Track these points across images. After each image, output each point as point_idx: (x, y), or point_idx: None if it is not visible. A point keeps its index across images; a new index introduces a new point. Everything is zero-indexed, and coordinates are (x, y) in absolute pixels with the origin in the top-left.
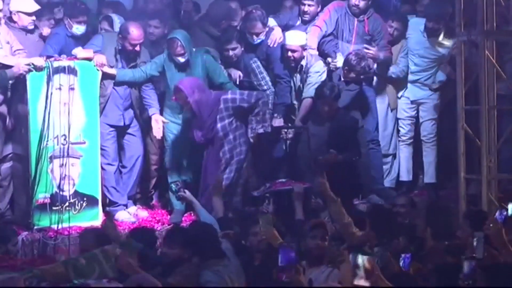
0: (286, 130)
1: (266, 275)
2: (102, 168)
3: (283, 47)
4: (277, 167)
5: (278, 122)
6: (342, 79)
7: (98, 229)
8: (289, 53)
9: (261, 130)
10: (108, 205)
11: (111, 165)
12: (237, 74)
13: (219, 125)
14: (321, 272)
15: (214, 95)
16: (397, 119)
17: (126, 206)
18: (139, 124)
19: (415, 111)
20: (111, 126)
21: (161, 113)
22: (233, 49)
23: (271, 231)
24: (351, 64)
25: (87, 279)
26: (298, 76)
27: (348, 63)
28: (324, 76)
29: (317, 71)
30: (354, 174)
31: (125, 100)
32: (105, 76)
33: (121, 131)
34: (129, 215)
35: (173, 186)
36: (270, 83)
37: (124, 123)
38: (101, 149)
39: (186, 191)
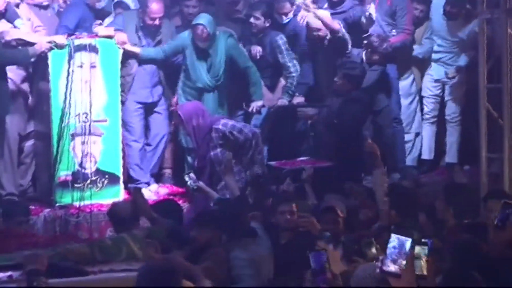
0: (306, 108)
1: (292, 254)
2: (127, 145)
3: (308, 26)
4: (298, 145)
5: (298, 99)
6: (365, 61)
7: (127, 201)
8: (314, 32)
9: (259, 171)
10: (130, 182)
11: (137, 142)
12: (256, 49)
13: (211, 153)
14: None
15: (211, 121)
16: (421, 98)
17: (148, 184)
18: (166, 102)
19: (440, 90)
20: (139, 103)
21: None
22: (257, 18)
23: (311, 220)
24: (373, 46)
25: (114, 260)
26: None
27: (370, 45)
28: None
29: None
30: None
31: (153, 77)
32: (129, 54)
33: (148, 109)
34: (150, 193)
35: (186, 178)
36: (296, 62)
37: (152, 100)
38: (128, 126)
39: (200, 182)
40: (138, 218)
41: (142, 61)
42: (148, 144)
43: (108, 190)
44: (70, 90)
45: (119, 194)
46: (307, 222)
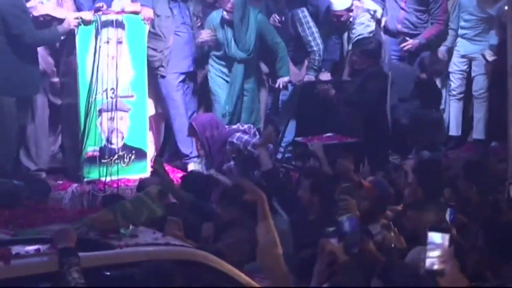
0: (326, 86)
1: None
2: (172, 120)
3: (328, 10)
4: (325, 121)
5: (325, 76)
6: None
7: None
8: (335, 18)
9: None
10: (180, 157)
11: (180, 115)
12: (275, 18)
13: (225, 165)
14: None
15: (226, 133)
16: (448, 73)
17: (198, 157)
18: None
19: (467, 66)
20: (182, 74)
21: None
22: None
23: (352, 203)
24: (424, 64)
25: (136, 223)
26: (346, 34)
27: (421, 64)
28: (370, 28)
29: (362, 23)
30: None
31: (190, 46)
32: (162, 27)
33: (191, 78)
34: (199, 167)
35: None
36: (317, 37)
37: (194, 68)
38: (170, 100)
39: (212, 170)
40: (167, 193)
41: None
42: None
43: (135, 166)
44: (97, 66)
45: (146, 169)
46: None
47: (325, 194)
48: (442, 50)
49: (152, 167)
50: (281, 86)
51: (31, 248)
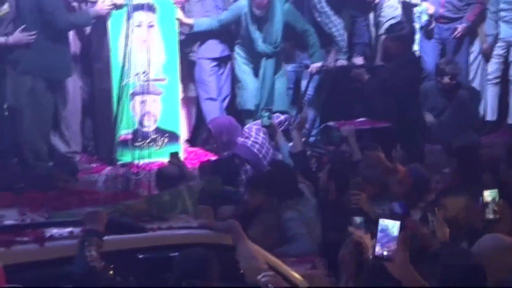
0: (359, 70)
1: (340, 212)
2: (204, 104)
3: None
4: (356, 106)
5: (358, 60)
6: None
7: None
8: None
9: None
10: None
11: (213, 100)
12: None
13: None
14: None
15: (242, 142)
16: (484, 56)
17: None
18: None
19: (505, 50)
20: (213, 60)
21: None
22: None
23: (364, 198)
24: (441, 71)
25: (168, 214)
26: (372, 13)
27: (439, 71)
28: (398, 11)
29: (391, 6)
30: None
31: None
32: (193, 11)
33: (223, 64)
34: None
35: (263, 112)
36: (334, 20)
37: (228, 53)
38: (203, 84)
39: (275, 120)
40: (183, 180)
41: (195, 32)
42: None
43: (168, 149)
44: (129, 50)
45: (179, 152)
46: (358, 199)
47: (342, 180)
48: (489, 40)
49: (169, 161)
50: (314, 71)
51: (64, 230)
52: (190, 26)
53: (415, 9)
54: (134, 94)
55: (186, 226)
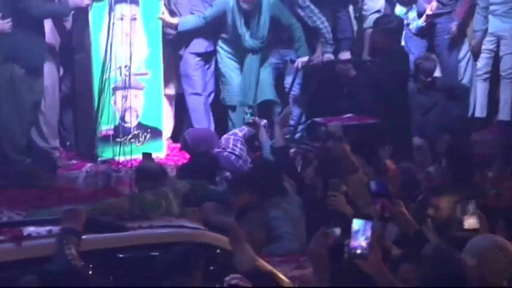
0: (346, 66)
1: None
2: (189, 99)
3: None
4: (342, 102)
5: (345, 55)
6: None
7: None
8: None
9: None
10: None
11: (198, 95)
12: None
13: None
14: None
15: (218, 152)
16: (472, 52)
17: None
18: None
19: (495, 45)
20: (199, 55)
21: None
22: None
23: (341, 199)
24: (417, 68)
25: (151, 214)
26: (351, 6)
27: (416, 68)
28: (381, 3)
29: None
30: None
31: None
32: (178, 4)
33: (208, 59)
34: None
35: (247, 109)
36: (318, 13)
37: (212, 49)
38: (188, 78)
39: (257, 118)
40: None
41: (180, 32)
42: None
43: (150, 145)
44: (111, 43)
45: (161, 148)
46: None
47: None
48: (477, 36)
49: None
50: (299, 66)
51: (43, 229)
52: (175, 26)
53: (400, 8)
54: (115, 89)
55: (167, 225)
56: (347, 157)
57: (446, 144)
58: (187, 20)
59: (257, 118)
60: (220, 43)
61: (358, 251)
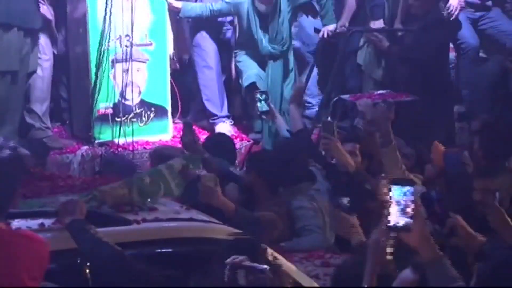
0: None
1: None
2: (200, 72)
3: None
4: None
5: (377, 24)
6: None
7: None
8: None
9: None
10: (207, 117)
11: (210, 68)
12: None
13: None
14: None
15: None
16: None
17: (228, 117)
18: None
19: None
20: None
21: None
22: None
23: (335, 143)
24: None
25: (151, 199)
26: None
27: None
28: None
29: None
30: None
31: None
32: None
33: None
34: (230, 128)
35: (258, 95)
36: None
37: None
38: (199, 49)
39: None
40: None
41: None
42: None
43: (154, 125)
44: (110, 9)
45: (167, 129)
46: (329, 144)
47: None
48: None
49: (181, 139)
50: (325, 35)
51: (34, 222)
52: (178, 10)
53: None
54: (115, 61)
55: (175, 217)
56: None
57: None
58: (192, 8)
59: (272, 105)
60: (237, 56)
61: (400, 223)
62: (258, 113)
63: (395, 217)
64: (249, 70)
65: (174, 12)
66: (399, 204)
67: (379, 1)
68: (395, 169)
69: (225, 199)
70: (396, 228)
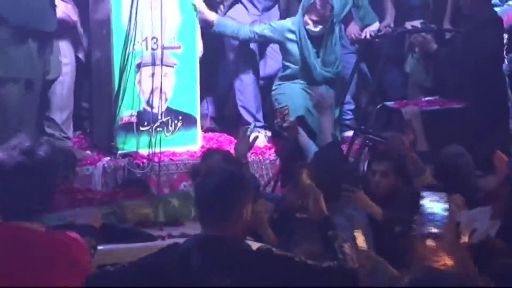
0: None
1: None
2: (234, 76)
3: None
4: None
5: (414, 22)
6: None
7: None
8: None
9: None
10: (241, 124)
11: (247, 73)
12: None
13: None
14: None
15: None
16: None
17: (264, 127)
18: None
19: None
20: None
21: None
22: None
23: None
24: None
25: (181, 221)
26: None
27: None
28: None
29: None
30: None
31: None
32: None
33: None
34: (265, 139)
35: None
36: None
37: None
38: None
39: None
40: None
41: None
42: (260, 78)
43: (181, 135)
44: (136, 9)
45: (196, 139)
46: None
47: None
48: None
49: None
50: (368, 36)
51: None
52: (210, 23)
53: None
54: (140, 65)
55: None
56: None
57: None
58: (228, 24)
59: (294, 120)
60: (278, 85)
61: (432, 230)
62: (278, 128)
63: (427, 225)
64: (296, 101)
65: (206, 25)
66: (431, 210)
67: (415, 1)
68: None
69: (269, 229)
70: (428, 236)
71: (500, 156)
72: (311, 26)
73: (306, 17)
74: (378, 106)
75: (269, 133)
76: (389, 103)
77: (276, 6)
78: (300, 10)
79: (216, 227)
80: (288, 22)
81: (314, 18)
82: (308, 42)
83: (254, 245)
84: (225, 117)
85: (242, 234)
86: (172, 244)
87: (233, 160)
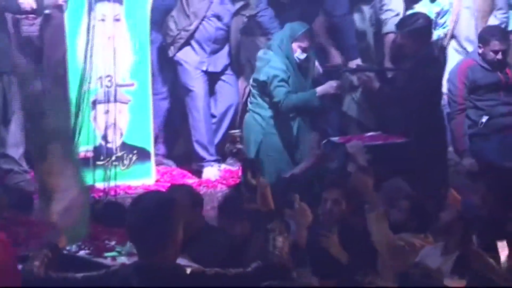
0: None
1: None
2: (190, 115)
3: None
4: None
5: (355, 62)
6: None
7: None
8: None
9: None
10: (196, 160)
11: (199, 109)
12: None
13: None
14: None
15: None
16: None
17: (217, 161)
18: (234, 71)
19: None
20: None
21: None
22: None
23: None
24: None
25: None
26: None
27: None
28: (400, 5)
29: None
30: None
31: (214, 43)
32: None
33: (210, 77)
34: (217, 173)
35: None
36: None
37: (207, 69)
38: (188, 90)
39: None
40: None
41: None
42: (213, 116)
43: (136, 168)
44: (91, 49)
45: (150, 173)
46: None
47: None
48: None
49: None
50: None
51: None
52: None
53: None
54: (96, 103)
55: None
56: (368, 192)
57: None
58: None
59: (242, 147)
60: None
61: None
62: (227, 152)
63: None
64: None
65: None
66: None
67: (352, 41)
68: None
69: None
70: None
71: (454, 195)
72: (298, 54)
73: (295, 45)
74: (324, 141)
75: (222, 166)
76: (333, 138)
77: (225, 49)
78: (285, 41)
79: (148, 254)
80: (277, 64)
81: (303, 45)
82: (298, 68)
83: (188, 268)
84: (178, 153)
85: (175, 257)
86: (116, 269)
87: (196, 195)
